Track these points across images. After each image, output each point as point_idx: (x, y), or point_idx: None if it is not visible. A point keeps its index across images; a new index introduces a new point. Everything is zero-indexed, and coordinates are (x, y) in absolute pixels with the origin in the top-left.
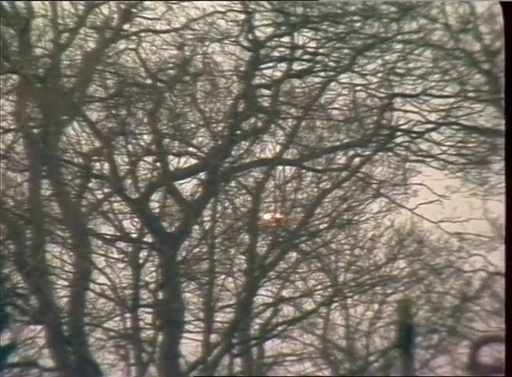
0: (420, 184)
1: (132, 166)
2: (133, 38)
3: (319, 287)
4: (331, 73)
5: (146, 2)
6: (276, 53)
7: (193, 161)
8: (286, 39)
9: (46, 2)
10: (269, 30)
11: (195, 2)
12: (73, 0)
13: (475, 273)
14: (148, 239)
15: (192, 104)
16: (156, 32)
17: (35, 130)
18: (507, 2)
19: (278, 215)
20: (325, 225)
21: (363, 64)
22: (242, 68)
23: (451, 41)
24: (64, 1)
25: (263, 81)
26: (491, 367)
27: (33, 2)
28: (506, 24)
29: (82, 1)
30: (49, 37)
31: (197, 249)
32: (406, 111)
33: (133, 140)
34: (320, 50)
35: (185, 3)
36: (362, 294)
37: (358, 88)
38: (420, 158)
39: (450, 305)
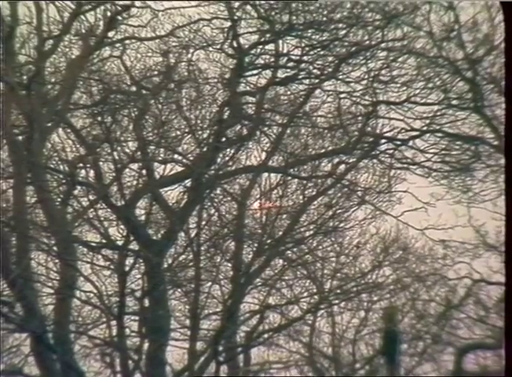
0: (405, 191)
1: (117, 173)
2: (118, 45)
3: (305, 294)
4: (316, 80)
5: (132, 9)
6: (260, 61)
7: (178, 168)
8: (270, 47)
9: (32, 9)
10: (254, 37)
11: (181, 10)
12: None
13: (460, 280)
14: (134, 246)
15: (177, 111)
16: (141, 39)
17: (20, 137)
18: (507, 2)
19: (267, 203)
20: (311, 232)
21: (348, 72)
22: (227, 76)
23: (434, 49)
24: (49, 8)
25: (248, 88)
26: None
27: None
28: (506, 24)
29: (67, 8)
30: (33, 44)
31: (183, 256)
32: (390, 119)
33: (119, 148)
34: (305, 58)
35: (171, 10)
36: (348, 301)
37: (342, 95)
38: (405, 165)
39: (435, 313)
